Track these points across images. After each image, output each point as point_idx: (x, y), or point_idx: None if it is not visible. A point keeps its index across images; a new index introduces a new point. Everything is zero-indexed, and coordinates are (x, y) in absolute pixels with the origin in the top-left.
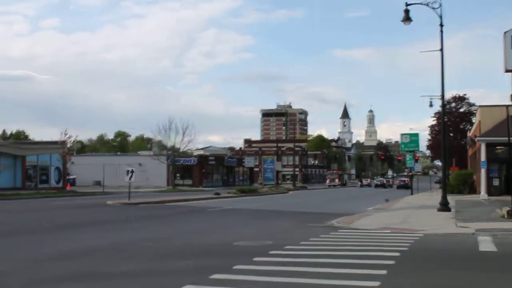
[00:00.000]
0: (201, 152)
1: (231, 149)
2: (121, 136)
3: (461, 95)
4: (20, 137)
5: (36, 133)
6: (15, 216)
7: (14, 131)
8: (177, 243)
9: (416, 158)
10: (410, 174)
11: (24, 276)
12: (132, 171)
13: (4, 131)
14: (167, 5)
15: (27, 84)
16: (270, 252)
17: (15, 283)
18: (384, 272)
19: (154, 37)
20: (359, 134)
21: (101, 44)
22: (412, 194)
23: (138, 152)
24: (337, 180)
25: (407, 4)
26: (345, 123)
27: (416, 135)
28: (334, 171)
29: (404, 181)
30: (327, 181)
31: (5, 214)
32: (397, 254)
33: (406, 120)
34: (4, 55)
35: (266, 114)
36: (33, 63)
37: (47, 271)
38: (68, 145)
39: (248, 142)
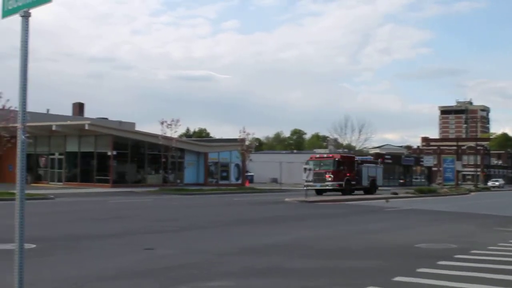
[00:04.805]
0: (377, 151)
1: (408, 147)
2: (297, 134)
3: None
4: (201, 135)
5: (216, 131)
6: (200, 210)
7: (196, 129)
8: (356, 242)
9: None
10: None
11: (209, 269)
12: (310, 169)
13: (187, 129)
14: (343, 2)
15: (208, 83)
16: (455, 256)
17: (201, 275)
18: None
19: (330, 34)
20: None
21: (278, 43)
22: None
23: (314, 150)
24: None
25: None
26: None
27: None
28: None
29: None
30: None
31: (191, 209)
32: None
33: None
34: (188, 56)
35: (445, 111)
36: (214, 63)
37: (231, 264)
38: (247, 143)
39: (425, 140)
